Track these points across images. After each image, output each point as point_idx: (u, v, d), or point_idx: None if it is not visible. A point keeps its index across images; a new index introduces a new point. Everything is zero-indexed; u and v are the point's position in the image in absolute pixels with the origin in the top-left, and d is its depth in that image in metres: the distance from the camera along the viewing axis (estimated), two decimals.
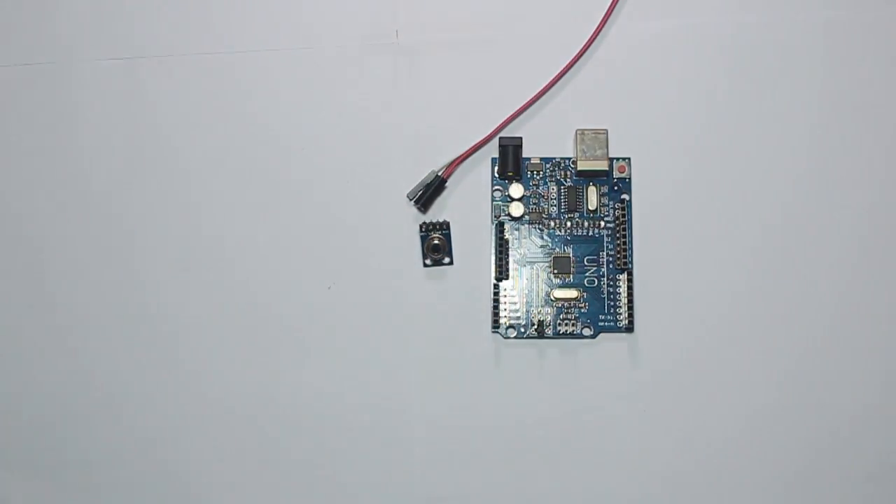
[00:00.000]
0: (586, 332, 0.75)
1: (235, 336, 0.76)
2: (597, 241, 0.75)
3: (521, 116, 0.77)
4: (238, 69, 0.77)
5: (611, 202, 0.76)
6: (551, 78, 0.76)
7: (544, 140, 0.77)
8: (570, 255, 0.75)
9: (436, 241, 0.74)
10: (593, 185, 0.76)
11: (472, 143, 0.76)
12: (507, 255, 0.75)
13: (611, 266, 0.75)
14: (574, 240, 0.75)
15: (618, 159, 0.76)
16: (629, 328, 0.75)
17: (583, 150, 0.75)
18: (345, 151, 0.77)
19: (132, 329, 0.76)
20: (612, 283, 0.75)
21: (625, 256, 0.75)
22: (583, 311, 0.75)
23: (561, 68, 0.77)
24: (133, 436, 0.74)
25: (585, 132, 0.75)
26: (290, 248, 0.77)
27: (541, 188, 0.76)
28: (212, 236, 0.77)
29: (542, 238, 0.75)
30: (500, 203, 0.76)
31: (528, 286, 0.75)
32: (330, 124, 0.77)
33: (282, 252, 0.77)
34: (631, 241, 0.75)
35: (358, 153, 0.77)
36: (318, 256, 0.77)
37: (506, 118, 0.76)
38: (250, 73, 0.77)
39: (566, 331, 0.75)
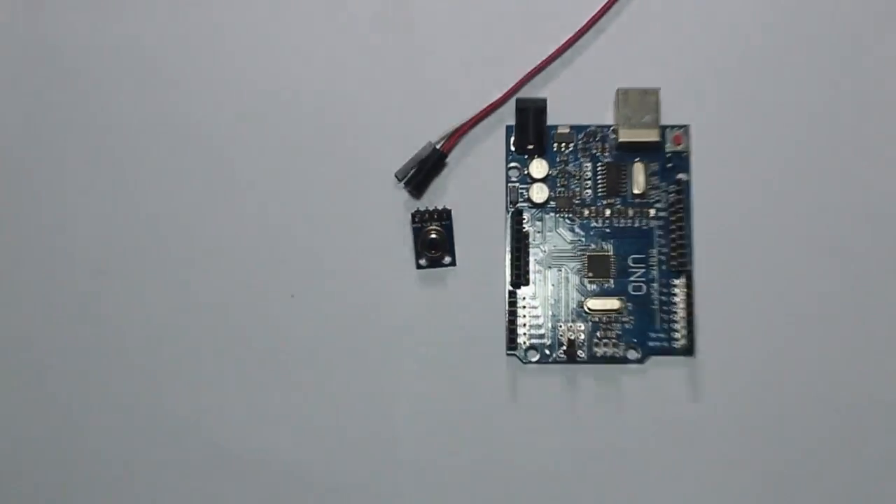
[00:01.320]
0: (632, 354, 0.67)
1: (176, 353, 0.68)
2: (645, 236, 0.68)
3: (545, 72, 0.69)
4: (189, 20, 0.71)
5: (663, 183, 0.68)
6: (584, 23, 0.69)
7: (575, 102, 0.69)
8: (610, 253, 0.68)
9: (433, 236, 0.67)
10: (640, 161, 0.68)
11: (481, 107, 0.68)
12: (527, 254, 0.67)
13: (664, 268, 0.67)
14: (615, 233, 0.68)
15: (672, 127, 0.68)
16: (688, 350, 0.67)
17: (626, 115, 0.67)
18: (313, 116, 0.69)
19: (59, 343, 0.69)
20: (665, 290, 0.67)
21: (682, 255, 0.67)
22: (627, 327, 0.67)
23: (596, 10, 0.70)
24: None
25: (630, 92, 0.67)
26: (242, 245, 0.69)
27: (571, 165, 0.68)
28: (144, 232, 0.69)
29: (572, 231, 0.68)
30: (517, 185, 0.68)
31: (554, 294, 0.67)
32: (293, 79, 0.70)
33: (231, 249, 0.69)
34: (690, 235, 0.67)
35: (331, 118, 0.69)
36: (279, 255, 0.69)
37: (525, 74, 0.68)
38: (203, 18, 0.71)
39: (605, 353, 0.67)
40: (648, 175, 0.69)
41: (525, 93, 0.70)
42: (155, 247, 0.69)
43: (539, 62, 0.69)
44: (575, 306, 0.68)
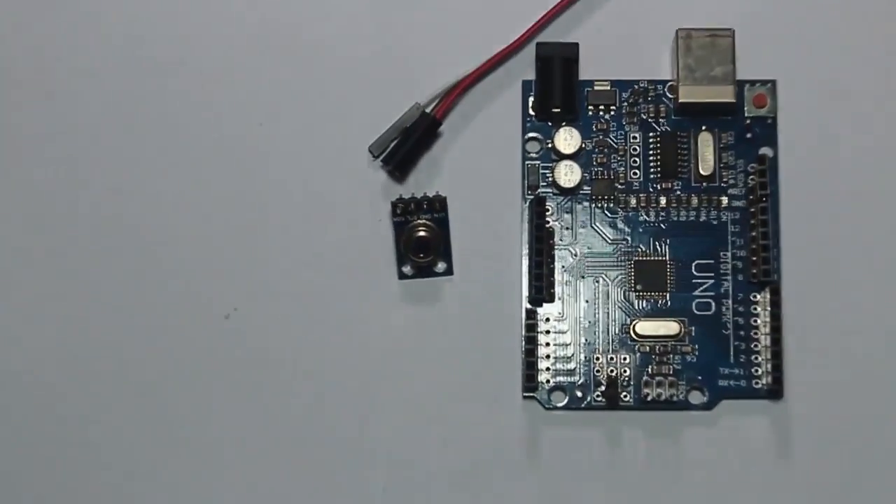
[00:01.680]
0: (696, 398, 0.62)
1: (80, 384, 0.63)
2: (715, 233, 0.63)
3: (575, 7, 0.64)
4: None
5: (740, 161, 0.63)
6: None
7: (618, 49, 0.64)
8: (667, 257, 0.63)
9: (422, 234, 0.62)
10: (708, 130, 0.64)
11: (488, 56, 0.63)
12: (552, 259, 0.63)
13: (740, 278, 0.63)
14: (673, 230, 0.63)
15: (753, 83, 0.64)
16: (774, 391, 0.61)
17: (689, 66, 0.63)
18: (257, 70, 0.65)
19: None
20: (742, 309, 0.62)
21: (766, 261, 0.62)
22: (689, 359, 0.62)
23: None
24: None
25: (693, 35, 0.63)
26: (162, 248, 0.64)
27: (612, 136, 0.64)
28: (38, 229, 0.64)
29: (614, 227, 0.64)
30: (537, 163, 0.64)
31: (588, 315, 0.63)
32: (234, 27, 0.65)
33: (148, 254, 0.64)
34: (777, 234, 0.63)
35: (282, 72, 0.65)
36: (213, 261, 0.63)
37: (548, 10, 0.64)
38: None
39: (659, 396, 0.62)
40: (720, 149, 0.63)
41: (549, 36, 0.64)
42: (52, 249, 0.64)
43: None
44: (618, 331, 0.63)
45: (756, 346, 0.61)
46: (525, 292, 0.62)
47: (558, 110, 0.63)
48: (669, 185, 0.63)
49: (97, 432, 0.64)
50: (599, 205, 0.63)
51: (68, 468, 0.64)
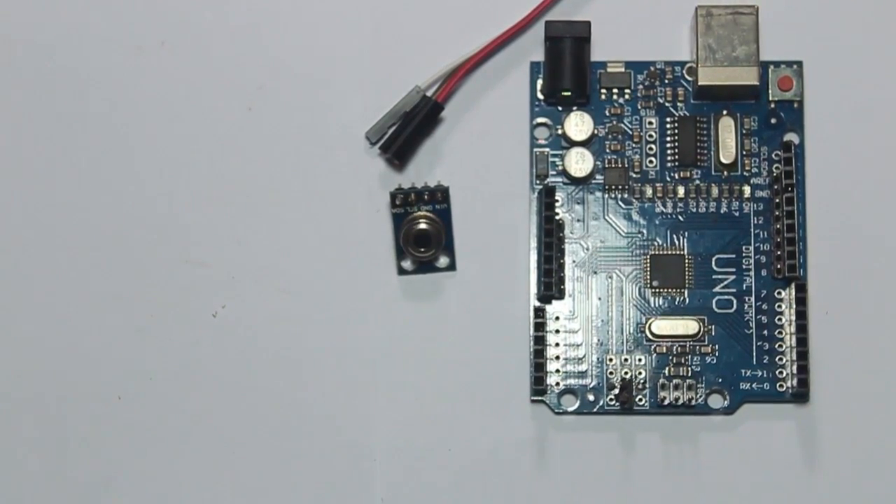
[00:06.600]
0: (716, 401, 0.61)
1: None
2: (736, 226, 0.62)
3: None
4: None
5: (763, 149, 0.62)
6: None
7: (633, 28, 0.64)
8: (685, 251, 0.62)
9: (422, 226, 0.61)
10: (730, 114, 0.63)
11: (493, 36, 0.62)
12: (562, 253, 0.62)
13: (764, 274, 0.61)
14: (691, 222, 0.62)
15: (778, 65, 0.63)
16: (800, 394, 0.60)
17: (709, 47, 0.62)
18: (250, 51, 0.63)
19: None
20: (765, 306, 0.61)
21: (791, 256, 0.60)
22: (709, 360, 0.61)
23: None
24: None
25: (714, 13, 0.63)
26: (150, 240, 0.62)
27: (626, 121, 0.63)
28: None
29: (628, 219, 0.63)
30: (546, 150, 0.63)
31: (601, 313, 0.62)
32: (222, 3, 0.64)
33: (130, 249, 0.62)
34: (803, 226, 0.61)
35: (273, 54, 0.63)
36: (202, 257, 0.62)
37: None
38: None
39: (677, 399, 0.61)
40: (742, 136, 0.62)
41: (558, 14, 0.63)
42: (33, 244, 0.62)
43: None
44: (632, 330, 0.61)
45: (780, 346, 0.60)
46: (533, 289, 0.61)
47: (569, 94, 0.61)
48: (688, 174, 0.62)
49: (82, 432, 0.63)
50: (613, 195, 0.62)
51: (50, 466, 0.62)
